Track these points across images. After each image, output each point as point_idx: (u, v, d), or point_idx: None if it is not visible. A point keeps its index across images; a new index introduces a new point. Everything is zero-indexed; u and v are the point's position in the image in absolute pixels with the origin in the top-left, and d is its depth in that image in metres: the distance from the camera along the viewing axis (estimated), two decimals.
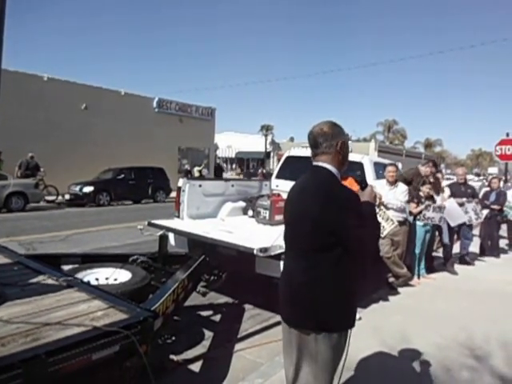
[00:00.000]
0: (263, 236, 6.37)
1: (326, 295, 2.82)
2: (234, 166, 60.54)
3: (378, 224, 3.07)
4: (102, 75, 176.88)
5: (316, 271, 2.83)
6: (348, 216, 2.73)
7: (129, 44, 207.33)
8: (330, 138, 2.95)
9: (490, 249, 11.84)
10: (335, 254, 2.79)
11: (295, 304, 2.93)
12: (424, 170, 9.64)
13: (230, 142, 60.89)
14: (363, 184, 3.23)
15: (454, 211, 9.64)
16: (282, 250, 5.39)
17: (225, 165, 54.68)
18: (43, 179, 21.67)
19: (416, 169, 9.78)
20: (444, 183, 10.79)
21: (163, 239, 6.71)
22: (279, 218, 7.48)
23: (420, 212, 8.76)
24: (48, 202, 21.55)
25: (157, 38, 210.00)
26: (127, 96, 31.72)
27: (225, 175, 41.64)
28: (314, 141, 3.00)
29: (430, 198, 9.04)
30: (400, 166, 10.30)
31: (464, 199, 10.14)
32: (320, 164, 2.96)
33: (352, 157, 9.37)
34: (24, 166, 20.54)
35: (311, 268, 2.85)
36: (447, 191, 10.03)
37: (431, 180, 9.56)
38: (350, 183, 7.32)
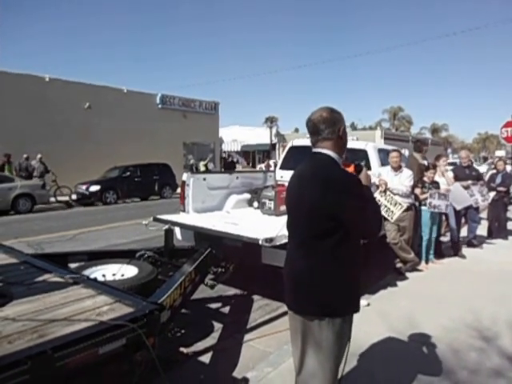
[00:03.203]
0: (269, 226, 6.37)
1: (327, 281, 2.83)
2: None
3: (378, 207, 3.07)
4: (103, 74, 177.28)
5: (316, 257, 2.84)
6: (350, 199, 2.73)
7: (130, 42, 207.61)
8: (332, 124, 2.93)
9: (498, 231, 11.81)
10: (334, 239, 2.78)
11: (298, 291, 2.95)
12: (420, 155, 9.67)
13: (235, 135, 60.83)
14: (358, 168, 3.22)
15: (459, 194, 9.59)
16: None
17: (237, 157, 54.45)
18: (56, 180, 21.92)
19: (412, 158, 9.78)
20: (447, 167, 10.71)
21: (169, 233, 6.74)
22: (284, 208, 7.47)
23: (425, 198, 8.75)
24: (61, 202, 21.79)
25: (158, 34, 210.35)
26: (130, 93, 31.85)
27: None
28: (315, 128, 2.98)
29: (435, 182, 9.03)
30: (407, 152, 10.30)
31: (469, 182, 10.05)
32: (320, 150, 2.95)
33: (356, 144, 9.42)
34: (19, 168, 20.69)
35: (311, 254, 2.86)
36: (451, 174, 9.96)
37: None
38: (354, 170, 7.35)
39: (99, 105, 28.95)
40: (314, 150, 3.00)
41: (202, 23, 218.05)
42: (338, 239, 2.79)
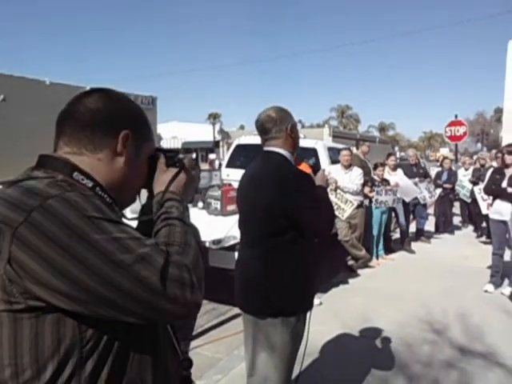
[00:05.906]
0: (216, 228, 6.36)
1: (280, 280, 2.88)
2: None
3: (332, 207, 3.16)
4: (27, 65, 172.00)
5: (269, 256, 2.90)
6: (302, 198, 2.79)
7: (59, 31, 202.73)
8: (279, 123, 3.01)
9: (444, 226, 12.60)
10: (288, 238, 2.85)
11: (250, 291, 3.00)
12: (360, 151, 10.12)
13: (174, 132, 60.36)
14: (315, 168, 3.34)
15: (407, 187, 10.06)
16: (237, 241, 5.45)
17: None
18: None
19: (356, 156, 10.06)
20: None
21: None
22: (231, 208, 7.48)
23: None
24: None
25: (90, 23, 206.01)
26: (54, 86, 29.78)
27: None
28: (263, 127, 3.06)
29: (385, 180, 9.40)
30: (355, 150, 10.57)
31: (416, 179, 10.69)
32: (271, 149, 3.02)
33: (306, 143, 9.53)
34: None
35: (264, 253, 2.92)
36: (400, 172, 10.31)
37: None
38: (304, 168, 7.46)
39: (17, 97, 27.11)
40: (266, 148, 3.06)
41: (136, 12, 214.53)
42: (292, 237, 2.86)
